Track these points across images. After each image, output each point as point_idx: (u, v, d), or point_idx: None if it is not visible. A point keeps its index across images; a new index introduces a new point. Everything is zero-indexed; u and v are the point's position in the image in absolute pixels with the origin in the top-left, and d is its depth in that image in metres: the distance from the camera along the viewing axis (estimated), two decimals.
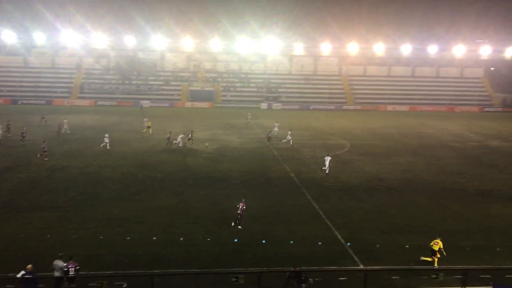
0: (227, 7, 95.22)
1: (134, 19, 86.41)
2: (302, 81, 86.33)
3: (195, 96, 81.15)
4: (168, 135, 43.23)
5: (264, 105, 78.76)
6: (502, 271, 16.86)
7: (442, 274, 13.47)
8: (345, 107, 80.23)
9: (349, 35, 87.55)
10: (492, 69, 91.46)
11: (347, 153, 41.39)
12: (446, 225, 23.64)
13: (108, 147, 40.06)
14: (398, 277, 16.89)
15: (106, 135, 41.21)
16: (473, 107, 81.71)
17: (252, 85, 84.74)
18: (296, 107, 78.55)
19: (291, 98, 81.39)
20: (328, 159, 34.14)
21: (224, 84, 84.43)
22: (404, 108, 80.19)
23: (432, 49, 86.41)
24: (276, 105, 78.86)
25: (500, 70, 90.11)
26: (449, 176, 33.95)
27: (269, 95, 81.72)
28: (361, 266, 18.23)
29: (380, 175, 33.76)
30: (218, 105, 78.78)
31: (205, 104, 78.25)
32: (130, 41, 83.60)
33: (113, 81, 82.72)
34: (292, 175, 33.20)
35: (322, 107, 79.05)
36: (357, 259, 19.27)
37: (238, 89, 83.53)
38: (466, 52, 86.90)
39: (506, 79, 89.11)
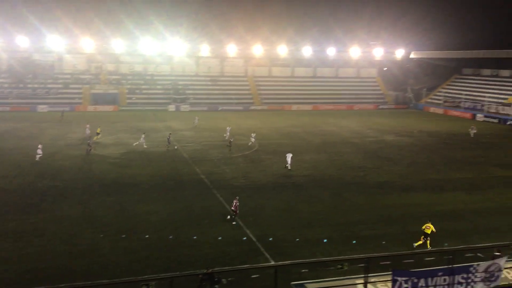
0: (129, 7, 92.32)
1: (27, 19, 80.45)
2: (209, 83, 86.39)
3: (98, 99, 77.67)
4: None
5: (172, 107, 77.59)
6: (400, 257, 18.23)
7: (347, 263, 14.24)
8: (252, 107, 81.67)
9: (254, 37, 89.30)
10: (385, 69, 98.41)
11: (256, 153, 42.18)
12: (349, 217, 25.08)
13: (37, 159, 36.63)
14: (307, 270, 17.58)
15: (40, 146, 37.41)
16: (369, 105, 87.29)
17: (158, 87, 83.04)
18: (205, 108, 78.43)
19: (199, 99, 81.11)
20: (289, 155, 35.88)
21: (129, 86, 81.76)
22: (308, 107, 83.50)
23: (331, 51, 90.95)
24: (184, 107, 78.08)
25: (392, 70, 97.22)
26: (350, 171, 35.99)
27: (176, 97, 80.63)
28: (272, 262, 18.72)
29: (287, 173, 34.85)
30: (124, 108, 76.11)
31: (109, 108, 75.20)
32: (23, 42, 77.80)
33: (6, 85, 76.48)
34: (203, 176, 33.12)
35: (230, 107, 79.75)
36: (268, 256, 19.74)
37: (144, 91, 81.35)
38: (361, 53, 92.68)
39: (397, 78, 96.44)
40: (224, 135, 49.05)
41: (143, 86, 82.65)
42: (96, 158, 38.42)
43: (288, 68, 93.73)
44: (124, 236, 21.63)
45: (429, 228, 21.09)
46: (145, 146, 43.06)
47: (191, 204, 26.80)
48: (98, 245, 20.47)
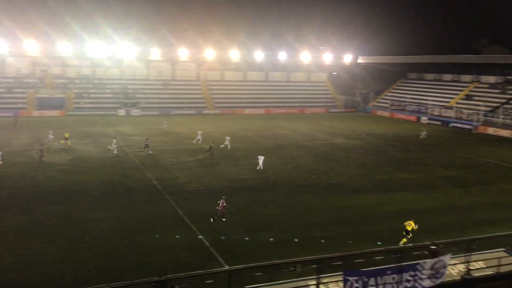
0: (74, 9, 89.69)
1: None
2: (160, 86, 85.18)
3: (43, 104, 74.68)
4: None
5: (122, 112, 75.86)
6: (351, 257, 18.66)
7: (300, 265, 14.44)
8: (205, 111, 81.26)
9: (205, 41, 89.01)
10: (334, 73, 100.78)
11: (209, 157, 41.97)
12: (303, 219, 25.43)
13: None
14: (261, 273, 17.65)
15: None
16: (320, 108, 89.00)
17: (108, 91, 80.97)
18: (156, 112, 77.25)
19: (150, 104, 79.80)
20: (261, 158, 36.72)
21: (76, 90, 79.20)
22: (260, 111, 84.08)
23: (282, 56, 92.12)
24: (135, 111, 76.55)
25: (341, 75, 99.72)
26: (303, 173, 36.52)
27: (127, 101, 78.91)
28: (226, 267, 18.66)
29: (241, 176, 34.91)
30: (71, 113, 73.67)
31: (55, 112, 72.50)
32: None
33: None
34: (155, 182, 32.58)
35: (182, 112, 79.00)
36: (222, 261, 19.67)
37: (92, 95, 79.07)
38: (312, 58, 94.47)
39: (346, 82, 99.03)
40: (194, 141, 48.69)
41: (92, 90, 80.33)
42: (43, 165, 36.94)
43: (240, 72, 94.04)
44: (72, 245, 20.90)
45: (410, 225, 22.13)
46: (115, 152, 42.07)
47: (142, 210, 26.29)
48: (45, 256, 19.67)
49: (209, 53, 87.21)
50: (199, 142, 48.21)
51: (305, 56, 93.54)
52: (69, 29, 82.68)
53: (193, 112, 79.82)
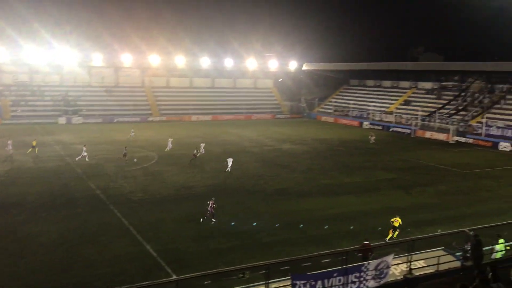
0: (10, 13, 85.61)
1: None
2: (103, 93, 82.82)
3: None
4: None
5: (62, 120, 73.01)
6: (298, 261, 18.90)
7: (248, 272, 14.43)
8: (150, 118, 79.82)
9: (150, 47, 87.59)
10: (280, 80, 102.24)
11: (155, 165, 41.25)
12: (251, 225, 25.50)
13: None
14: (210, 281, 17.51)
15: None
16: (266, 114, 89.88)
17: (47, 98, 77.67)
18: (99, 120, 74.97)
19: (92, 111, 77.33)
20: (230, 160, 38.36)
21: (13, 98, 75.40)
22: (207, 117, 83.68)
23: (229, 62, 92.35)
24: (76, 119, 73.90)
25: (286, 81, 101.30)
26: (250, 179, 36.68)
27: (67, 108, 76.02)
28: (174, 276, 18.36)
29: (188, 184, 34.55)
30: (7, 121, 70.00)
31: None
32: None
33: None
34: (98, 192, 31.57)
35: (127, 119, 77.19)
36: (169, 270, 19.34)
37: (30, 103, 75.56)
38: (258, 65, 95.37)
39: (291, 89, 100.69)
40: (166, 149, 48.04)
41: (30, 98, 76.81)
42: None
43: (187, 79, 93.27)
44: (10, 261, 19.81)
45: (397, 221, 23.63)
46: (87, 160, 40.97)
47: (85, 221, 25.38)
48: None
49: (154, 59, 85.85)
50: (167, 150, 47.80)
51: (251, 63, 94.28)
52: (4, 34, 78.72)
53: (138, 119, 78.18)
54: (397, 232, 23.64)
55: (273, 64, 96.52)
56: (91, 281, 18.06)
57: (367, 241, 20.33)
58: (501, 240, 19.82)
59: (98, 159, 42.97)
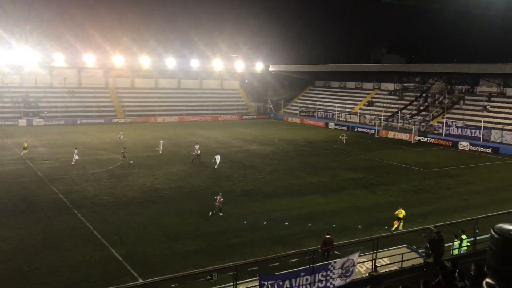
0: None
1: None
2: (66, 95, 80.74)
3: None
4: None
5: (23, 122, 70.81)
6: (266, 262, 18.98)
7: (216, 274, 14.38)
8: (115, 120, 78.37)
9: (113, 47, 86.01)
10: (246, 81, 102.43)
11: (120, 167, 40.55)
12: (218, 226, 25.44)
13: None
14: (177, 284, 17.36)
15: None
16: (233, 115, 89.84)
17: (6, 99, 75.10)
18: (62, 122, 73.07)
19: (54, 113, 75.27)
20: (218, 157, 40.51)
21: None
22: (173, 119, 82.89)
23: (195, 63, 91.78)
24: (37, 121, 71.76)
25: (252, 82, 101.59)
26: (218, 180, 36.57)
27: (28, 110, 73.73)
28: (140, 281, 18.10)
29: (154, 186, 34.13)
30: None
31: None
32: None
33: None
34: (61, 196, 30.76)
35: (90, 121, 75.53)
36: (136, 274, 19.05)
37: None
38: (224, 66, 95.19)
39: (258, 90, 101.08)
40: (159, 150, 47.95)
41: None
42: None
43: (152, 80, 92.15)
44: None
45: (401, 212, 25.07)
46: (73, 163, 40.11)
47: (48, 226, 24.68)
48: None
49: (118, 60, 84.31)
50: (160, 152, 47.63)
51: (218, 64, 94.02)
52: None
53: (101, 121, 76.66)
54: (401, 223, 25.12)
55: (239, 65, 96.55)
56: None
57: (328, 235, 20.90)
58: (464, 236, 20.50)
59: (60, 162, 41.88)
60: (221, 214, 27.37)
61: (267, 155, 48.91)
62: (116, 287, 15.95)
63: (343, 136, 61.17)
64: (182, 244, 22.63)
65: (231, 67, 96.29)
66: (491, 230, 1.72)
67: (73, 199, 30.09)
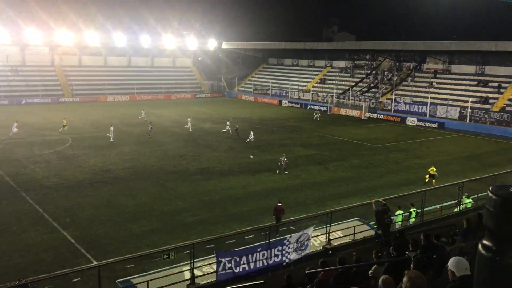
0: None
1: None
2: (8, 73, 76.68)
3: None
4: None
5: None
6: (222, 239, 19.11)
7: (173, 252, 14.38)
8: (62, 99, 75.39)
9: (59, 23, 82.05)
10: (199, 59, 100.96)
11: (70, 148, 39.29)
12: (173, 206, 25.33)
13: None
14: (133, 265, 17.20)
15: None
16: (186, 94, 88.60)
17: None
18: (5, 102, 69.55)
19: None
20: (251, 133, 43.70)
21: None
22: (124, 98, 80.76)
23: (145, 40, 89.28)
24: None
25: (205, 60, 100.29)
26: (172, 160, 36.20)
27: None
28: (95, 262, 17.80)
29: (106, 167, 33.35)
30: None
31: None
32: None
33: None
34: (8, 179, 29.51)
35: (36, 100, 72.33)
36: (89, 256, 18.71)
37: None
38: (176, 43, 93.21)
39: (211, 68, 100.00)
40: (189, 128, 49.04)
41: None
42: None
43: (101, 57, 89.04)
44: None
45: (433, 170, 30.20)
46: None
47: None
48: None
49: (64, 36, 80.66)
50: (190, 130, 48.92)
51: (169, 41, 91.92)
52: None
53: (48, 100, 73.61)
54: (434, 180, 29.67)
55: (192, 42, 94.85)
56: (4, 273, 16.98)
57: (280, 203, 22.19)
58: (413, 209, 21.43)
59: (5, 144, 40.05)
60: (286, 172, 32.10)
61: (222, 133, 48.77)
62: (70, 270, 15.65)
63: (317, 113, 63.14)
64: (136, 225, 22.37)
65: (183, 44, 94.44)
66: (488, 192, 1.82)
67: (20, 182, 28.95)
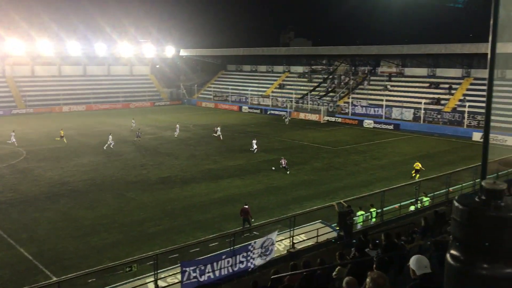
0: None
1: None
2: None
3: None
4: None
5: None
6: (186, 248, 18.92)
7: (136, 264, 14.12)
8: (15, 111, 72.72)
9: (9, 31, 79.18)
10: (157, 66, 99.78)
11: (25, 161, 37.91)
12: (135, 216, 24.85)
13: None
14: (94, 279, 16.76)
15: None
16: (145, 102, 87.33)
17: None
18: None
19: None
20: (254, 142, 42.75)
21: None
22: (80, 108, 78.76)
23: (101, 49, 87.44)
24: None
25: (164, 68, 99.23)
26: (132, 170, 35.55)
27: None
28: (54, 278, 17.23)
29: (63, 179, 32.38)
30: None
31: None
32: None
33: None
34: None
35: None
36: (48, 272, 18.09)
37: None
38: (133, 51, 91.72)
39: (170, 75, 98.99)
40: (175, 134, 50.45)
41: None
42: None
43: (54, 67, 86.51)
44: None
45: (418, 165, 31.90)
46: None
47: None
48: None
49: (15, 46, 77.86)
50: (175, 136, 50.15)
51: (126, 49, 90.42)
52: None
53: (0, 112, 70.82)
54: (418, 175, 30.94)
55: (149, 50, 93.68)
56: None
57: (246, 205, 22.48)
58: (372, 209, 21.93)
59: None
60: (288, 172, 33.88)
61: (183, 141, 48.37)
62: (28, 287, 15.09)
63: (285, 117, 64.88)
64: (97, 238, 21.81)
65: (140, 52, 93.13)
66: (454, 202, 1.85)
67: None
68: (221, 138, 49.37)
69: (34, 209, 25.91)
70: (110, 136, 43.37)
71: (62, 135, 46.61)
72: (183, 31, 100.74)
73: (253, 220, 22.39)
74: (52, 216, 24.85)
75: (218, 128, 50.79)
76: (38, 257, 19.51)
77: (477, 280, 1.99)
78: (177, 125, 52.31)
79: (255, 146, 42.38)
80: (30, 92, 78.24)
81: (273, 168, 35.27)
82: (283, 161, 34.82)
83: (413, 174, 31.90)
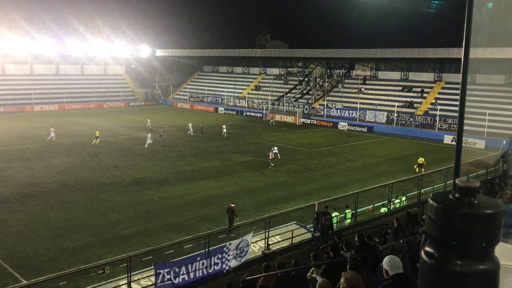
0: None
1: None
2: None
3: None
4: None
5: None
6: (161, 250, 18.71)
7: (109, 267, 13.89)
8: None
9: None
10: (132, 66, 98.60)
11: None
12: (108, 218, 24.46)
13: None
14: (65, 282, 16.41)
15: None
16: (119, 102, 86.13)
17: None
18: None
19: None
20: (275, 148, 39.95)
21: None
22: (53, 107, 77.11)
23: (74, 47, 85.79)
24: None
25: (138, 68, 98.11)
26: (105, 171, 34.99)
27: None
28: (24, 282, 16.79)
29: (34, 181, 31.63)
30: None
31: None
32: None
33: None
34: None
35: None
36: (18, 276, 17.63)
37: None
38: (107, 50, 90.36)
39: (145, 75, 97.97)
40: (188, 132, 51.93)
41: None
42: None
43: (26, 66, 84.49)
44: None
45: (421, 160, 34.07)
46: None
47: None
48: None
49: None
50: (191, 134, 52.04)
51: (100, 48, 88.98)
52: None
53: None
54: (423, 169, 32.80)
55: (124, 50, 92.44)
56: None
57: (233, 204, 22.78)
58: (348, 210, 22.15)
59: None
60: (271, 165, 35.90)
61: (157, 142, 47.88)
62: None
63: (272, 118, 66.45)
64: (68, 240, 21.37)
65: (114, 51, 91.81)
66: (429, 199, 1.85)
67: None
68: (225, 136, 51.37)
69: (3, 211, 25.21)
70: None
71: (98, 135, 46.36)
72: (159, 31, 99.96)
73: (237, 218, 22.45)
74: (22, 218, 24.24)
75: (224, 126, 52.94)
76: (7, 259, 19.00)
77: (451, 277, 2.02)
78: (189, 124, 53.76)
79: (275, 150, 39.83)
80: (0, 91, 76.19)
81: (272, 165, 36.80)
82: (271, 153, 36.23)
83: (417, 170, 33.79)
